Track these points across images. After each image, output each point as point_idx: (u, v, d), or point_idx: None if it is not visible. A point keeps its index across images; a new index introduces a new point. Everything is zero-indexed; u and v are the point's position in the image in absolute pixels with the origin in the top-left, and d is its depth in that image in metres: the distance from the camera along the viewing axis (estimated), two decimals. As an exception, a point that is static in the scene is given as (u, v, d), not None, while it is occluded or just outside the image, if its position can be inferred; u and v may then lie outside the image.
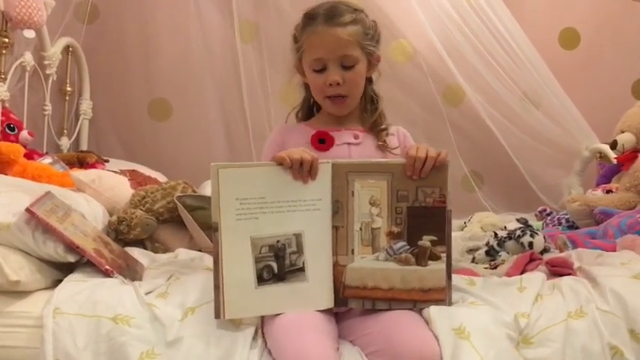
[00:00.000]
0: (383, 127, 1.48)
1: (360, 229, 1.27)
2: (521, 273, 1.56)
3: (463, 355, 1.15)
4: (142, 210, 1.89)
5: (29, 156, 2.19)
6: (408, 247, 1.26)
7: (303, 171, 1.24)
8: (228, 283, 1.21)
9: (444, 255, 1.26)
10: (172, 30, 3.06)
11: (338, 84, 1.39)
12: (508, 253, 1.80)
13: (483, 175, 3.06)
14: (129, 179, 2.01)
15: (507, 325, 1.24)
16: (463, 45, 2.74)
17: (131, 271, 1.54)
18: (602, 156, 2.74)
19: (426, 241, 1.25)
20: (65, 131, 2.85)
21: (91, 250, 1.43)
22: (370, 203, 1.27)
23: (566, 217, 2.28)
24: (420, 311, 1.25)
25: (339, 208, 1.26)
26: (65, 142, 2.81)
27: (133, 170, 2.18)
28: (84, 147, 2.95)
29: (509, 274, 1.56)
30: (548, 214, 2.41)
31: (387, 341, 1.17)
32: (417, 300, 1.25)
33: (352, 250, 1.27)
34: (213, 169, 1.20)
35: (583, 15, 3.16)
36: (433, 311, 1.21)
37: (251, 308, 1.24)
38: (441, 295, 1.25)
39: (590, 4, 3.17)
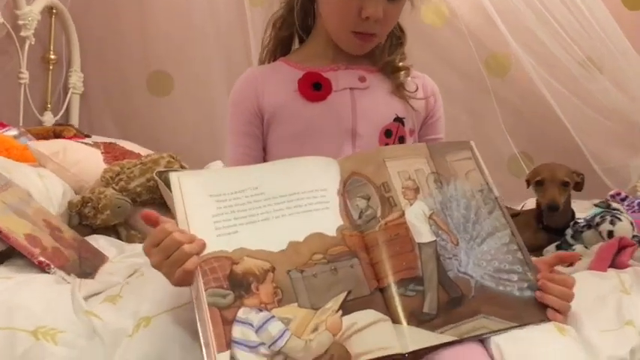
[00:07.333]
0: (402, 65, 1.07)
1: None
2: (610, 267, 1.15)
3: None
4: (114, 189, 1.51)
5: (-10, 127, 1.84)
6: None
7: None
8: None
9: None
10: (172, -9, 2.68)
11: (376, 20, 0.99)
12: (586, 247, 1.37)
13: (534, 157, 2.60)
14: (103, 152, 1.63)
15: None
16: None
17: (84, 266, 1.16)
18: (681, 132, 2.27)
19: None
20: (49, 106, 2.48)
21: (21, 236, 1.05)
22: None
23: (648, 202, 1.83)
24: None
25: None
26: (49, 118, 2.45)
27: (111, 143, 1.79)
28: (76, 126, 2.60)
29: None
30: (623, 199, 1.95)
31: None
32: None
33: None
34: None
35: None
36: (503, 346, 0.78)
37: None
38: None
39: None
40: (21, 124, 2.18)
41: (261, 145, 1.06)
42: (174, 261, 0.76)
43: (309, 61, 1.08)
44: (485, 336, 0.78)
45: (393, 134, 1.04)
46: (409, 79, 1.07)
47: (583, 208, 1.94)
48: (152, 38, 2.72)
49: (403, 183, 0.88)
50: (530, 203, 2.06)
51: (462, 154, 0.93)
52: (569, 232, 1.42)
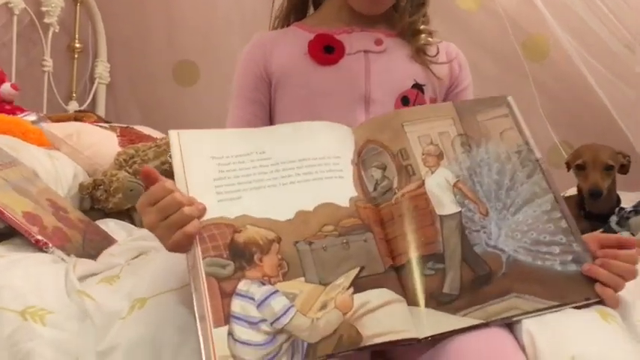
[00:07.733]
0: (423, 28, 0.98)
1: None
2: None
3: None
4: (127, 172, 1.45)
5: (11, 112, 1.82)
6: None
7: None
8: None
9: None
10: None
11: None
12: (632, 233, 1.25)
13: (576, 145, 2.43)
14: (118, 136, 1.57)
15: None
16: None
17: (88, 247, 1.10)
18: None
19: None
20: (74, 95, 2.46)
21: (19, 213, 1.00)
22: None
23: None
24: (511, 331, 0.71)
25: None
26: (75, 107, 2.42)
27: (127, 127, 1.74)
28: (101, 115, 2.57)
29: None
30: (674, 188, 1.80)
31: None
32: None
33: None
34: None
35: None
36: (535, 333, 0.67)
37: None
38: None
39: None
40: (44, 112, 2.16)
41: (267, 113, 0.99)
42: (173, 223, 0.69)
43: (323, 24, 1.00)
44: (516, 318, 0.68)
45: (410, 102, 0.94)
46: (431, 40, 0.97)
47: (629, 200, 1.80)
48: (178, 28, 2.67)
49: (424, 148, 0.79)
50: (571, 193, 1.93)
51: (497, 112, 0.83)
52: (613, 218, 1.30)
